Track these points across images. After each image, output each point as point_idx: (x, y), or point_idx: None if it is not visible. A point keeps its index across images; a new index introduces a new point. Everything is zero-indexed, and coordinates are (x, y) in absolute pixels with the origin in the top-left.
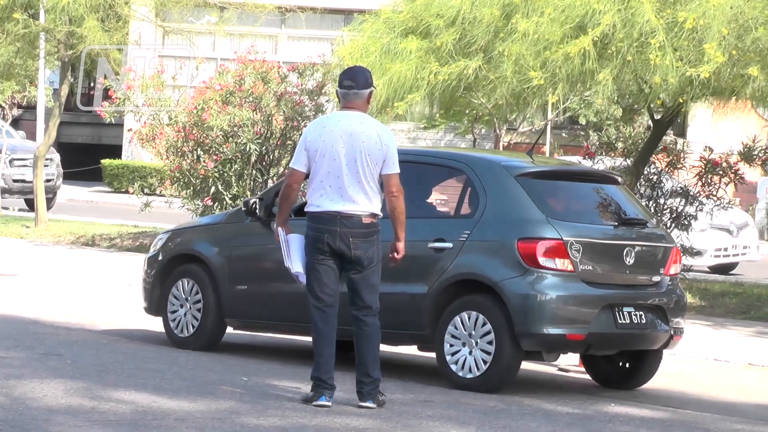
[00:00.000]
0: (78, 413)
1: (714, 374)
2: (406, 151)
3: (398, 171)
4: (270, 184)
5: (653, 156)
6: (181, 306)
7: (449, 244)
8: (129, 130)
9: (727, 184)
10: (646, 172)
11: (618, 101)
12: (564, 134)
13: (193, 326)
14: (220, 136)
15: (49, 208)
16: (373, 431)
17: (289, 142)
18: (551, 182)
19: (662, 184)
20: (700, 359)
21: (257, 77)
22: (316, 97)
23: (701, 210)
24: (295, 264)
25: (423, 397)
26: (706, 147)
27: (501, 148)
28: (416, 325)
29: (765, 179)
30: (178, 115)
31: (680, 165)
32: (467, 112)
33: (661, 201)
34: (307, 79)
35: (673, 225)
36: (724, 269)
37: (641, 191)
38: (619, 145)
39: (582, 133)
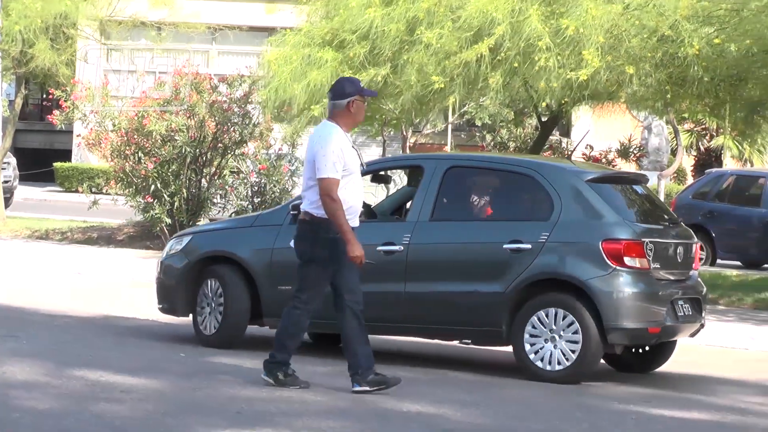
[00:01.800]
0: (34, 388)
1: None
2: (474, 157)
3: (324, 175)
4: (204, 183)
5: (541, 153)
6: (208, 305)
7: (527, 246)
8: (78, 136)
9: None
10: None
11: (509, 105)
12: (462, 135)
13: (216, 325)
14: (159, 140)
15: (7, 206)
16: (297, 399)
17: (220, 145)
18: (611, 186)
19: None
20: None
21: (191, 88)
22: (243, 105)
23: None
24: None
25: (339, 369)
26: (587, 145)
27: (408, 149)
28: (492, 322)
29: (640, 172)
30: (121, 122)
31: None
32: (377, 116)
33: None
34: (235, 89)
35: None
36: None
37: None
38: (511, 144)
39: (478, 134)
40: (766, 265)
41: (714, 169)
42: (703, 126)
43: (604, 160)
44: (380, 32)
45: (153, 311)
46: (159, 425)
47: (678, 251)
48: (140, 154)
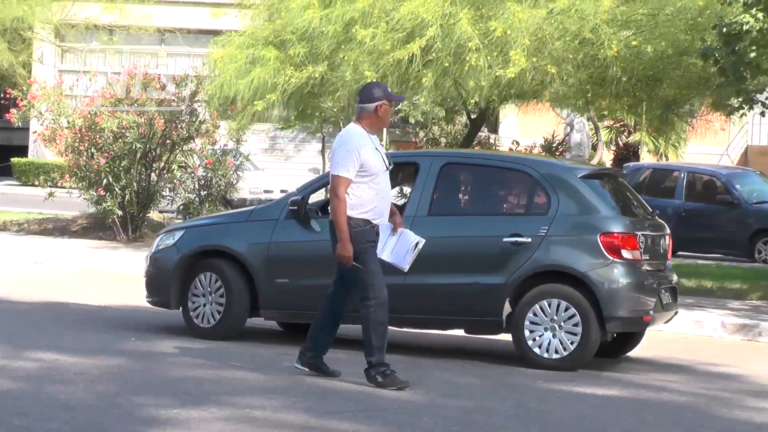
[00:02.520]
0: None
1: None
2: (469, 155)
3: (335, 173)
4: (153, 177)
5: (471, 149)
6: (203, 298)
7: (527, 239)
8: (34, 133)
9: None
10: None
11: (441, 103)
12: (397, 131)
13: (215, 318)
14: (111, 137)
15: None
16: (241, 379)
17: (168, 141)
18: (600, 182)
19: None
20: None
21: (141, 87)
22: (190, 103)
23: None
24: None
25: (281, 351)
26: (514, 141)
27: None
28: (492, 312)
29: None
30: (74, 119)
31: None
32: (317, 114)
33: None
34: (182, 88)
35: None
36: None
37: None
38: (443, 140)
39: (411, 130)
40: (680, 253)
41: (632, 163)
42: (622, 123)
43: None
44: (319, 33)
45: (105, 297)
46: (111, 405)
47: (659, 243)
48: (93, 149)
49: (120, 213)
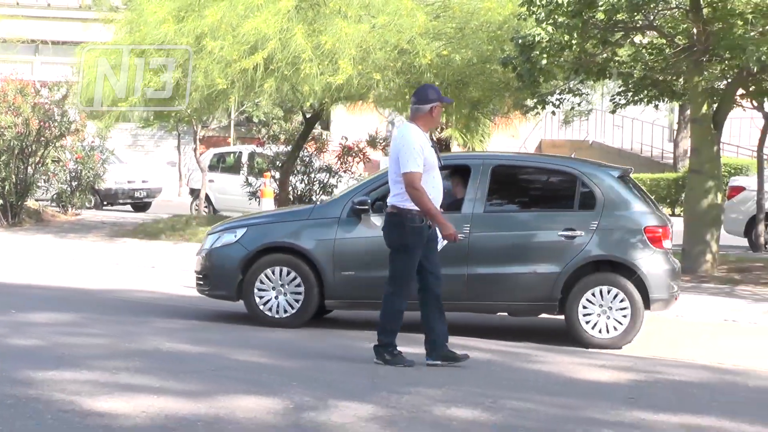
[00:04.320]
0: None
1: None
2: (522, 158)
3: (407, 170)
4: (30, 170)
5: (306, 144)
6: (273, 290)
7: (580, 233)
8: None
9: (358, 163)
10: (301, 155)
11: (280, 105)
12: (242, 129)
13: (293, 307)
14: None
15: None
16: (110, 347)
17: (42, 138)
18: (627, 179)
19: (312, 164)
20: None
21: (17, 92)
22: (62, 105)
23: (341, 181)
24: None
25: (150, 323)
26: (343, 137)
27: (197, 142)
28: (548, 297)
29: (386, 158)
30: None
31: (325, 149)
32: (173, 114)
33: (312, 176)
34: (54, 92)
35: (321, 192)
36: None
37: (298, 169)
38: (282, 136)
39: (255, 128)
40: None
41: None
42: None
43: (356, 149)
44: (173, 44)
45: None
46: None
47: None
48: None
49: (0, 202)
